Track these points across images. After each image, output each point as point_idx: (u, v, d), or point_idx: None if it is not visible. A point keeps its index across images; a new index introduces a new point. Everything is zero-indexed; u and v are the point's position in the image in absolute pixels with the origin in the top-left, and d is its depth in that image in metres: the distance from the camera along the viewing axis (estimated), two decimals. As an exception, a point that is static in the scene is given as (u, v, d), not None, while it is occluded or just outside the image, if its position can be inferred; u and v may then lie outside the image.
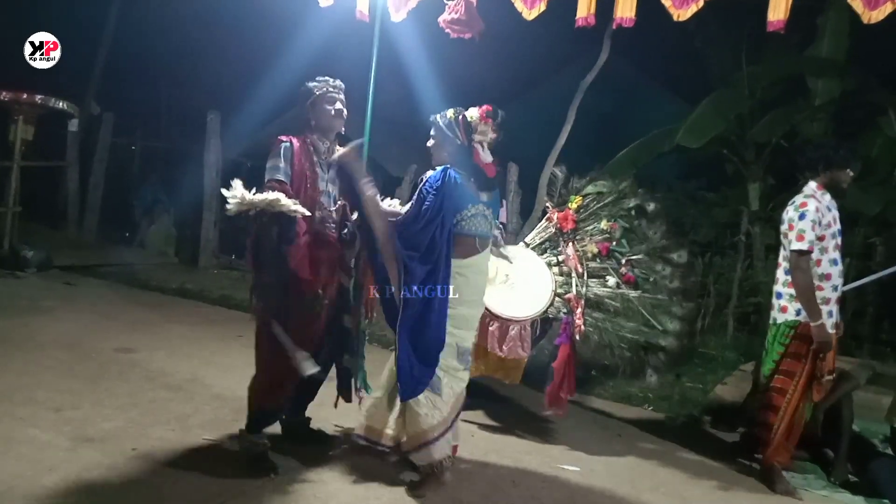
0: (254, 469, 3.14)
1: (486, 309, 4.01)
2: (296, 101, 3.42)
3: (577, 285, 4.36)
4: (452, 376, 3.23)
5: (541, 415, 4.41)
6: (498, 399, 4.87)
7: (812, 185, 3.83)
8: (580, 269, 4.40)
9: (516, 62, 12.37)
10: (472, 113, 3.34)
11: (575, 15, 4.23)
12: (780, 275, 3.87)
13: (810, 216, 3.68)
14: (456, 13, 4.68)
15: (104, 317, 5.87)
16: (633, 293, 4.45)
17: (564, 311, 4.30)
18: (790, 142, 8.25)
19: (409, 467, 3.31)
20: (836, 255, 3.78)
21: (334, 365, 3.52)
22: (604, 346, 4.43)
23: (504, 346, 4.08)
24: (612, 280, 4.46)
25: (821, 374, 3.75)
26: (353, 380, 3.49)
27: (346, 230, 3.35)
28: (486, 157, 3.33)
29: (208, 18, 12.83)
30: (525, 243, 4.60)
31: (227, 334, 5.80)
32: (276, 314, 3.09)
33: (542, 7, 4.29)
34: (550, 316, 4.32)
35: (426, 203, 3.15)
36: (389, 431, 3.22)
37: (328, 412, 3.68)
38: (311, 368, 3.09)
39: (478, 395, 4.63)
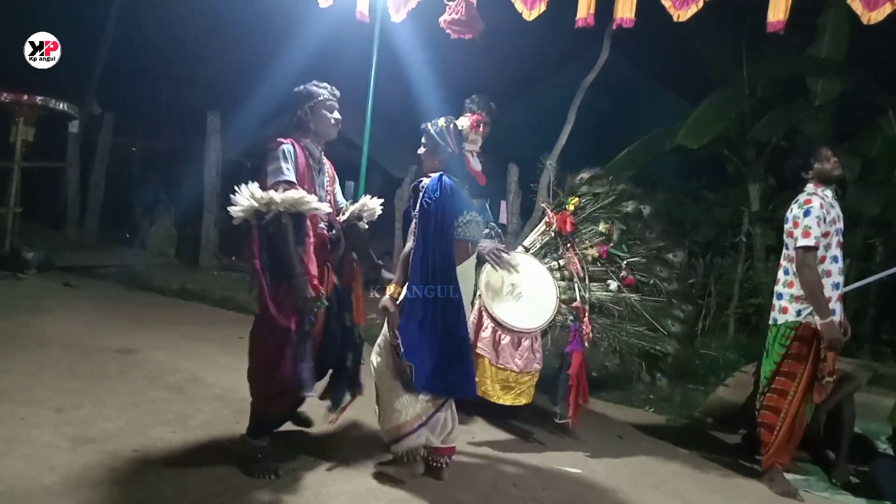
0: (255, 472, 3.12)
1: (497, 322, 3.99)
2: (293, 101, 3.35)
3: (580, 290, 4.31)
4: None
5: (557, 422, 4.25)
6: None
7: (811, 186, 3.85)
8: (582, 274, 4.36)
9: (516, 62, 12.38)
10: (463, 122, 3.35)
11: (575, 15, 4.24)
12: (781, 275, 3.87)
13: (815, 212, 3.69)
14: (456, 14, 4.69)
15: (105, 317, 5.87)
16: (634, 297, 4.42)
17: (571, 318, 4.24)
18: (791, 142, 8.25)
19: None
20: (838, 252, 3.78)
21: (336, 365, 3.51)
22: (613, 351, 4.40)
23: (518, 360, 4.00)
24: (613, 284, 4.42)
25: (822, 375, 3.74)
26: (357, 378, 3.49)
27: (333, 231, 3.36)
28: (477, 165, 3.35)
29: (208, 19, 12.86)
30: (524, 247, 4.54)
31: (228, 335, 5.80)
32: (309, 316, 3.09)
33: (543, 8, 4.31)
34: (557, 324, 4.27)
35: (430, 214, 3.15)
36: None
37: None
38: (309, 388, 3.14)
39: (477, 397, 4.65)
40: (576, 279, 4.35)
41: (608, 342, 4.35)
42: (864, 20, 3.59)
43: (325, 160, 3.42)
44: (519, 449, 3.99)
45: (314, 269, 3.08)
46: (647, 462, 4.08)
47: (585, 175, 4.78)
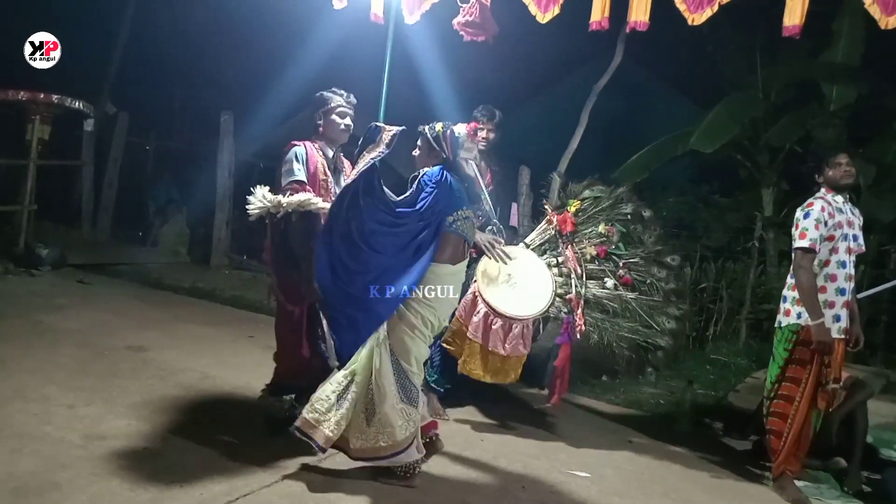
0: (268, 428, 3.47)
1: (490, 307, 4.11)
2: (309, 103, 3.59)
3: (576, 286, 4.40)
4: (418, 381, 3.27)
5: (536, 408, 4.57)
6: (505, 403, 4.86)
7: (822, 190, 3.87)
8: (579, 271, 4.45)
9: (529, 65, 12.35)
10: (460, 129, 3.35)
11: (588, 18, 4.23)
12: (788, 279, 3.88)
13: (815, 215, 3.71)
14: (470, 16, 4.70)
15: (117, 315, 5.91)
16: (630, 295, 4.51)
17: (565, 310, 4.36)
18: (804, 147, 8.19)
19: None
20: (847, 257, 3.76)
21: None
22: (604, 345, 4.48)
23: (507, 345, 4.12)
24: (609, 282, 4.51)
25: (826, 381, 3.73)
26: None
27: None
28: (470, 173, 3.34)
29: (223, 20, 12.91)
30: (525, 244, 4.62)
31: (239, 334, 5.83)
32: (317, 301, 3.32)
33: (556, 10, 4.30)
34: (551, 315, 4.38)
35: (423, 193, 3.16)
36: (327, 431, 3.09)
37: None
38: (334, 361, 3.44)
39: (485, 398, 4.65)
40: (573, 276, 4.43)
41: (598, 336, 4.44)
42: (882, 25, 3.56)
43: (343, 160, 3.64)
44: (527, 452, 3.98)
45: None
46: (657, 467, 4.06)
47: (586, 182, 4.88)
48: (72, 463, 3.01)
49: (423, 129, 3.37)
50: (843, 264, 3.75)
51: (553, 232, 4.61)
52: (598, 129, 9.14)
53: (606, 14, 4.18)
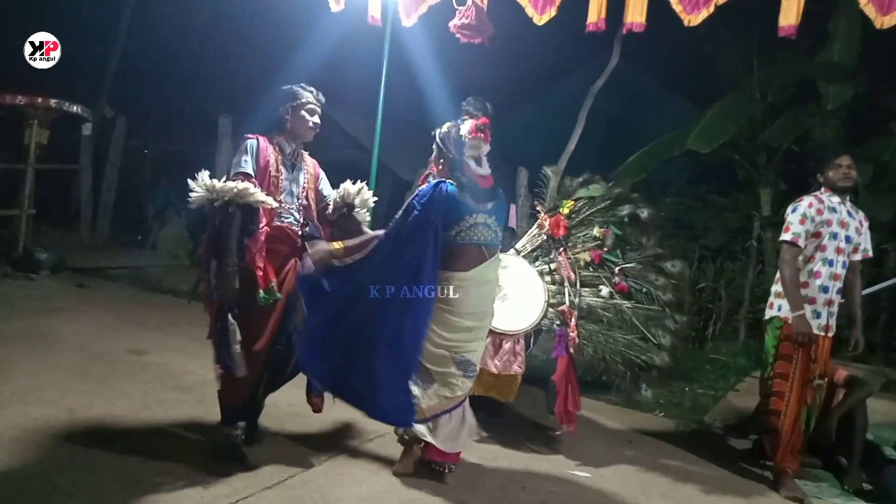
0: (225, 460, 3.22)
1: None
2: (278, 98, 3.41)
3: (570, 295, 4.23)
4: (445, 381, 3.25)
5: (549, 427, 4.31)
6: (505, 403, 4.85)
7: (821, 189, 3.90)
8: (573, 278, 4.28)
9: (526, 67, 12.39)
10: (464, 127, 3.34)
11: (585, 20, 4.25)
12: (777, 274, 3.92)
13: (801, 210, 3.76)
14: (466, 18, 4.71)
15: (116, 318, 5.90)
16: (626, 304, 4.33)
17: (558, 322, 4.17)
18: (802, 146, 8.22)
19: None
20: (835, 256, 3.78)
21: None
22: (598, 359, 4.31)
23: (497, 361, 3.99)
24: (605, 290, 4.34)
25: (812, 377, 3.77)
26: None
27: (307, 227, 3.41)
28: (479, 170, 3.30)
29: (220, 23, 12.92)
30: (516, 250, 4.47)
31: (238, 337, 5.82)
32: (231, 306, 3.14)
33: (553, 12, 4.32)
34: (543, 328, 4.21)
35: (411, 216, 3.19)
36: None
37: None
38: (241, 371, 3.17)
39: (485, 399, 4.64)
40: (566, 284, 4.27)
41: (593, 349, 4.26)
42: (878, 24, 3.58)
43: (304, 158, 3.50)
44: (527, 452, 3.99)
45: (261, 262, 3.12)
46: (657, 467, 4.06)
47: (582, 179, 4.71)
48: (71, 466, 3.01)
49: (435, 132, 3.40)
50: (829, 263, 3.77)
51: (545, 236, 4.45)
52: (595, 130, 9.18)
53: (603, 15, 4.20)
